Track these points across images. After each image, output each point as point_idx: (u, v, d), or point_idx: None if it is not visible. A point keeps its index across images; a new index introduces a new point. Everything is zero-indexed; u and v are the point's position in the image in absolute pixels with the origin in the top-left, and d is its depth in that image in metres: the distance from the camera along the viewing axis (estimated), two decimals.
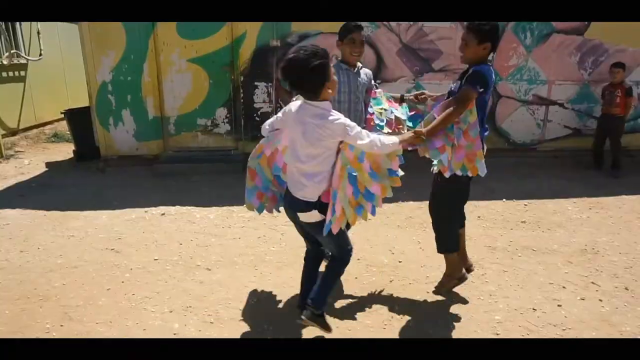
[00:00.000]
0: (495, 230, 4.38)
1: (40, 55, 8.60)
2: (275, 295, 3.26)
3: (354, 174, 2.51)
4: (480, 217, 4.70)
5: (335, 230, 2.50)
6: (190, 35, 6.09)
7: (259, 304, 3.15)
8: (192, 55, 6.16)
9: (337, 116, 2.41)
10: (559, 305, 3.13)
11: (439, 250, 3.15)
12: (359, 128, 2.43)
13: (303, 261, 2.94)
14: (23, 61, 8.19)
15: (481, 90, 2.73)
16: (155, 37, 6.06)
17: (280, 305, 3.14)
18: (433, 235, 4.24)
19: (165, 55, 6.15)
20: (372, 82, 3.41)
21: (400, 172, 2.68)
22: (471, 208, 4.92)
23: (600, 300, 3.19)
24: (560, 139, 6.90)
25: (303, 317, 2.60)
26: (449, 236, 3.10)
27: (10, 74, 7.94)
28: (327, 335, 2.68)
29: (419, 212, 4.81)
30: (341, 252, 2.69)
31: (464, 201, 3.18)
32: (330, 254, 2.83)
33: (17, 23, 8.15)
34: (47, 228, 4.39)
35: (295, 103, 2.54)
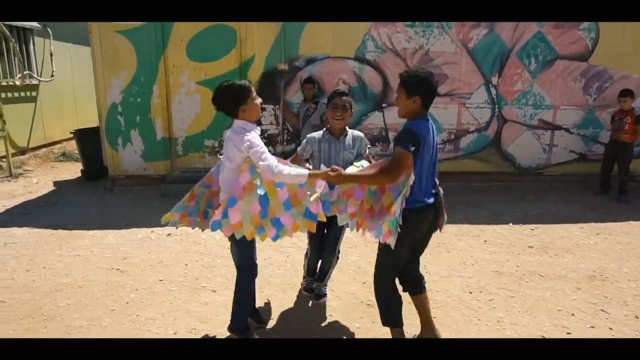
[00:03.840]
0: (502, 255, 4.35)
1: (52, 76, 8.78)
2: (280, 318, 3.23)
3: (261, 193, 2.59)
4: (487, 241, 4.67)
5: (225, 233, 2.63)
6: (200, 58, 6.21)
7: (263, 326, 3.12)
8: (201, 77, 6.27)
9: (248, 134, 2.62)
10: (568, 333, 3.08)
11: (382, 324, 2.83)
12: (264, 150, 2.58)
13: None
14: (35, 82, 8.36)
15: (413, 149, 2.46)
16: (165, 59, 6.18)
17: (285, 328, 3.11)
18: (439, 258, 4.24)
19: (174, 77, 6.26)
20: (364, 145, 3.20)
21: (320, 217, 2.70)
22: (477, 232, 4.91)
23: (611, 329, 3.14)
24: (566, 164, 6.89)
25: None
26: (386, 309, 2.79)
27: (22, 94, 8.09)
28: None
29: None
30: (241, 263, 2.81)
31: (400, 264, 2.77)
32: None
33: (31, 45, 8.36)
34: (54, 247, 4.40)
35: None
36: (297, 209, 2.70)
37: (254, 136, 2.62)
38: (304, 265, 3.53)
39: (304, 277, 3.52)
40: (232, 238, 2.71)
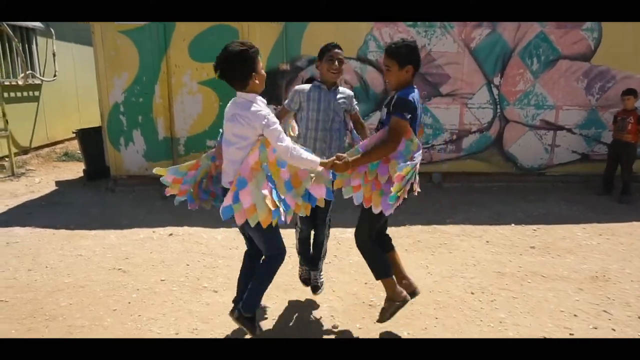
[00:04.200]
0: (504, 255, 4.34)
1: (55, 76, 8.80)
2: (281, 318, 3.23)
3: (269, 173, 2.49)
4: (489, 242, 4.66)
5: (238, 221, 2.46)
6: (202, 57, 6.21)
7: (264, 327, 3.12)
8: (203, 77, 6.27)
9: (261, 109, 2.46)
10: (570, 334, 3.07)
11: (376, 278, 2.97)
12: (281, 129, 2.47)
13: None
14: (38, 81, 8.38)
15: (409, 117, 2.59)
16: (167, 59, 6.19)
17: (287, 329, 3.11)
18: (441, 259, 4.24)
19: (176, 77, 6.27)
20: (354, 104, 3.22)
21: (320, 203, 2.69)
22: (479, 232, 4.90)
23: (613, 330, 3.13)
24: (569, 164, 6.87)
25: (231, 317, 2.71)
26: (378, 263, 2.93)
27: (25, 93, 8.11)
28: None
29: (426, 235, 4.78)
30: (269, 250, 2.66)
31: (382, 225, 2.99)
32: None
33: (34, 45, 8.38)
34: (56, 247, 4.41)
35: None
36: (297, 190, 2.63)
37: (269, 112, 2.48)
38: (295, 245, 3.48)
39: (300, 265, 3.50)
40: (254, 228, 2.49)
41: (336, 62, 3.01)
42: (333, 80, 3.09)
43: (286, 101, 3.19)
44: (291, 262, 4.10)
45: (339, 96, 3.12)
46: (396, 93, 2.70)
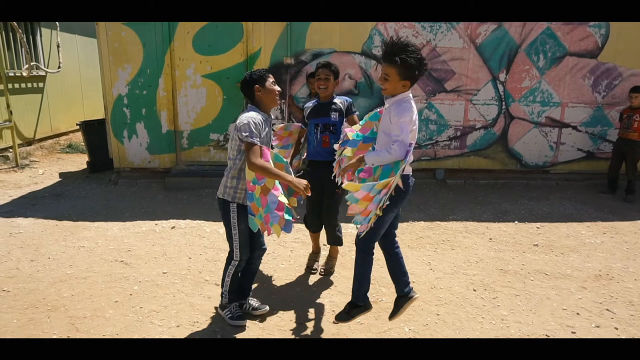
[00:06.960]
0: (507, 252, 4.32)
1: (59, 67, 8.79)
2: (282, 313, 3.22)
3: None
4: (492, 239, 4.64)
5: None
6: (206, 51, 6.19)
7: (266, 320, 3.12)
8: (207, 70, 6.26)
9: None
10: (572, 333, 3.05)
11: (340, 243, 3.75)
12: None
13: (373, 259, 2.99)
14: (42, 73, 8.38)
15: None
16: (171, 52, 6.17)
17: (288, 322, 3.11)
18: (444, 255, 4.22)
19: (180, 70, 6.25)
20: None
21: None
22: (483, 230, 4.87)
23: (616, 329, 3.11)
24: (573, 162, 6.83)
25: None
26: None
27: (29, 85, 8.12)
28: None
29: (429, 232, 4.77)
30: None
31: None
32: None
33: (38, 36, 8.37)
34: (59, 238, 4.42)
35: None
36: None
37: None
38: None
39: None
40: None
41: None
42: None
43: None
44: (294, 256, 4.10)
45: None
46: (330, 99, 3.52)
